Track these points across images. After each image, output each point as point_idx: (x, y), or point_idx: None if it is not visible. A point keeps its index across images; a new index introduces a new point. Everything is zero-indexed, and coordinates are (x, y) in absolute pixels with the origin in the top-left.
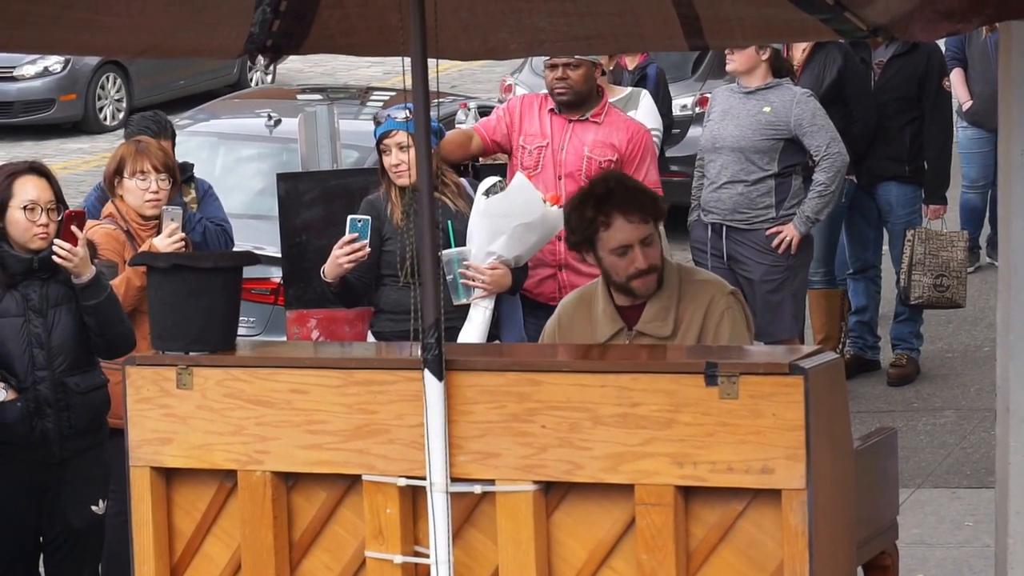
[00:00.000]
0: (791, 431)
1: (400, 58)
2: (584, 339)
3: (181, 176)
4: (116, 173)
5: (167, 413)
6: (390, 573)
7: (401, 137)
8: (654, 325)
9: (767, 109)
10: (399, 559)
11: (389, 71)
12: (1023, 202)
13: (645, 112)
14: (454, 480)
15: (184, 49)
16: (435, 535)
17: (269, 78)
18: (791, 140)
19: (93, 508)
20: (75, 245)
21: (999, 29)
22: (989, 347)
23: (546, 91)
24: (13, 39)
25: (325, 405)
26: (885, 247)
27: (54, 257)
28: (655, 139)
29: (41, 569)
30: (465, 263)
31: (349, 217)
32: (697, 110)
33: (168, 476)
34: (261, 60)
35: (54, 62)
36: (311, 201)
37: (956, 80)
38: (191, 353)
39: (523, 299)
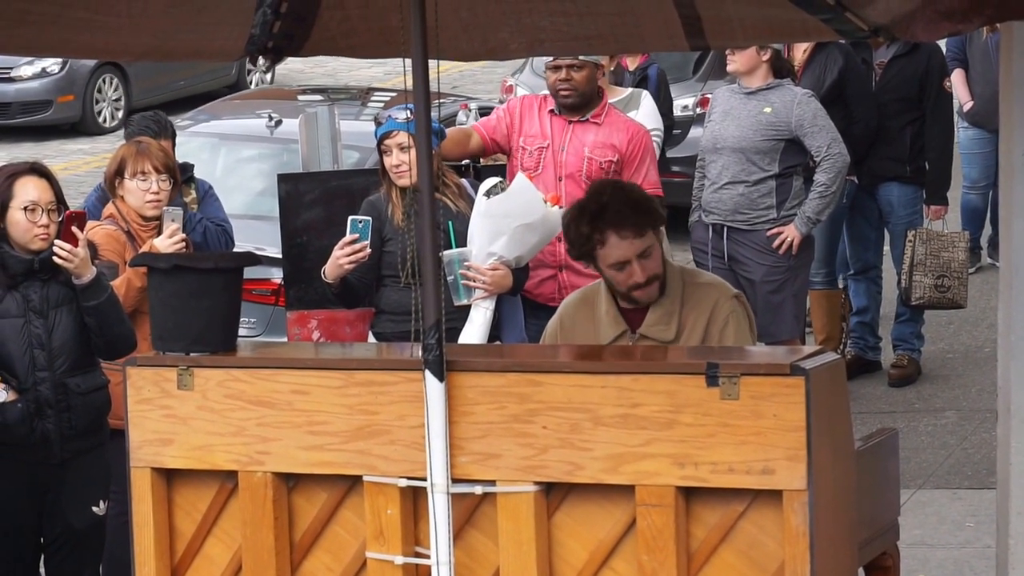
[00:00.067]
0: (792, 432)
1: (401, 59)
2: (586, 340)
3: (181, 176)
4: (117, 174)
5: (168, 414)
6: (391, 574)
7: (402, 138)
8: (657, 329)
9: (768, 110)
10: (400, 560)
11: (390, 72)
12: None
13: (646, 113)
14: (455, 481)
15: (185, 51)
16: (436, 536)
17: (268, 78)
18: (792, 141)
19: (94, 509)
20: (76, 246)
21: (1000, 29)
22: (990, 348)
23: (546, 92)
24: (13, 39)
25: (326, 406)
26: (886, 248)
27: (55, 258)
28: (655, 140)
29: (41, 570)
30: (466, 264)
31: (350, 218)
32: (698, 111)
33: (169, 477)
34: (261, 61)
35: (52, 63)
36: (312, 202)
37: (957, 81)
38: (192, 354)
39: (524, 300)
